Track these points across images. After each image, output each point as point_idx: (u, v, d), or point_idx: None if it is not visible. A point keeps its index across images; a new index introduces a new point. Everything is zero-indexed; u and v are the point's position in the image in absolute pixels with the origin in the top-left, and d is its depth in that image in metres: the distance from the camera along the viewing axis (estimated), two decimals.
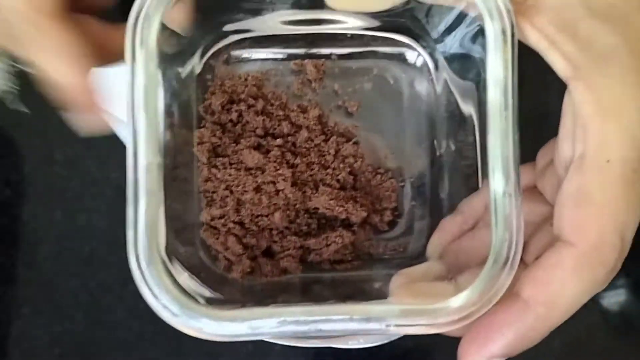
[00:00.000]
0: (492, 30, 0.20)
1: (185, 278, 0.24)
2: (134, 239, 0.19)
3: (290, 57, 0.30)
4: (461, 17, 0.24)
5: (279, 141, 0.28)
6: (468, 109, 0.26)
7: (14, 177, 0.29)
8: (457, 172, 0.28)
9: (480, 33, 0.22)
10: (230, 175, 0.27)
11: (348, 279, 0.28)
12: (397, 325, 0.20)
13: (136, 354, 0.29)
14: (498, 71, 0.20)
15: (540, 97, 0.30)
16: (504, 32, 0.20)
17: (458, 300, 0.20)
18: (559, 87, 0.20)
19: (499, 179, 0.20)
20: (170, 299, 0.19)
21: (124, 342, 0.29)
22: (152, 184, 0.20)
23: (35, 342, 0.29)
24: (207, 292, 0.24)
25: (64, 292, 0.29)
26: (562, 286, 0.19)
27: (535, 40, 0.20)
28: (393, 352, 0.30)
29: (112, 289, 0.30)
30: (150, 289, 0.19)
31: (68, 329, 0.29)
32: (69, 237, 0.29)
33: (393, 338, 0.26)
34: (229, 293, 0.26)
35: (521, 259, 0.20)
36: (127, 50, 0.20)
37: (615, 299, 0.30)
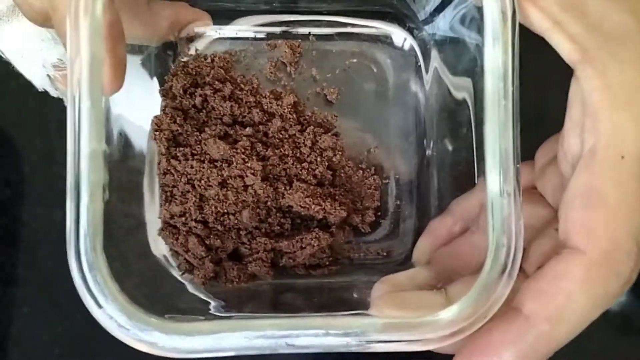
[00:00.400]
0: (490, 10, 0.19)
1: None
2: (75, 238, 0.18)
3: (264, 36, 0.28)
4: None
5: (248, 130, 0.26)
6: (461, 97, 0.24)
7: (14, 177, 0.30)
8: (448, 169, 0.27)
9: (473, 14, 0.21)
10: (192, 167, 0.25)
11: (324, 287, 0.26)
12: (378, 341, 0.18)
13: (136, 354, 0.29)
14: (497, 56, 0.19)
15: (540, 88, 0.29)
16: (503, 12, 0.19)
17: (449, 313, 0.18)
18: (563, 78, 0.19)
19: (496, 177, 0.19)
20: (116, 308, 0.18)
21: (123, 342, 0.29)
22: (96, 175, 0.18)
23: (35, 342, 0.29)
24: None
25: (64, 292, 0.29)
26: (570, 300, 0.18)
27: (538, 20, 0.19)
28: (393, 352, 0.29)
29: None
30: (93, 297, 0.18)
31: (68, 329, 0.29)
32: None
33: None
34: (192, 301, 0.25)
35: (520, 268, 0.19)
36: (69, 19, 0.18)
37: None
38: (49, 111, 0.28)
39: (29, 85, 0.26)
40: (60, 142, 0.29)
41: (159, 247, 0.26)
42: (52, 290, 0.29)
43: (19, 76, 0.26)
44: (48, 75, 0.25)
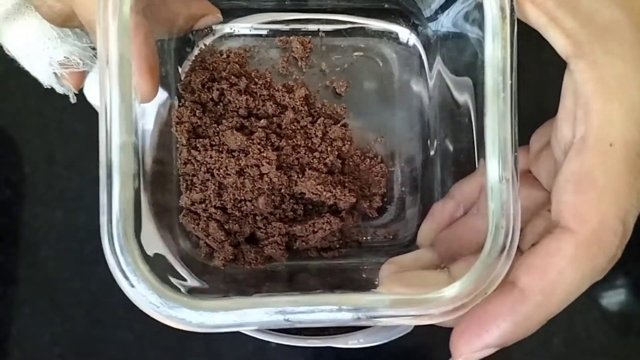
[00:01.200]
0: (490, 8, 0.19)
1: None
2: (107, 224, 0.18)
3: (275, 33, 0.29)
4: None
5: (263, 122, 0.27)
6: (462, 90, 0.25)
7: (14, 177, 0.29)
8: (450, 157, 0.27)
9: (475, 11, 0.22)
10: (211, 157, 0.26)
11: (336, 268, 0.27)
12: (387, 316, 0.19)
13: (136, 354, 0.30)
14: (496, 51, 0.19)
15: (536, 79, 0.29)
16: (502, 9, 0.19)
17: (452, 290, 0.19)
18: (557, 69, 0.20)
19: (495, 164, 0.19)
20: (147, 287, 0.19)
21: (124, 342, 0.29)
22: (127, 165, 0.19)
23: (36, 342, 0.29)
24: (195, 282, 0.24)
25: (64, 292, 0.29)
26: (561, 275, 0.18)
27: (535, 16, 0.20)
28: (393, 352, 0.30)
29: (112, 289, 0.31)
30: (126, 278, 0.19)
31: (68, 328, 0.29)
32: (69, 237, 0.30)
33: (393, 337, 0.26)
34: (211, 282, 0.25)
35: (517, 247, 0.19)
36: (98, 20, 0.18)
37: (615, 299, 0.30)
38: (49, 111, 0.27)
39: (29, 84, 0.26)
40: (60, 142, 0.29)
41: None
42: (52, 290, 0.29)
43: (19, 76, 0.26)
44: (54, 73, 0.25)
